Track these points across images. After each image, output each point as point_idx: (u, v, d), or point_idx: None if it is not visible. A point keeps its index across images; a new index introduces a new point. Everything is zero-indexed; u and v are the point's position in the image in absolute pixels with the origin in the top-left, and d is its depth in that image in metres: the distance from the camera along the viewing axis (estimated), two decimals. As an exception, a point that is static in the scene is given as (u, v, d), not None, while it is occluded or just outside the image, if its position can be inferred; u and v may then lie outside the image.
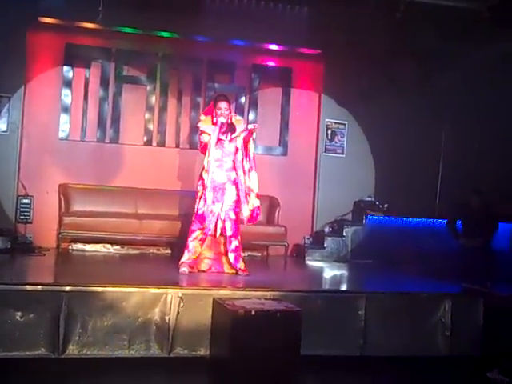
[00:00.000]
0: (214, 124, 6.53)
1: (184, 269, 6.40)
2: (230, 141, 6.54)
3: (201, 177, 6.55)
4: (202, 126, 6.61)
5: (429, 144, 9.08)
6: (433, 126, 9.05)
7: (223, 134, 6.51)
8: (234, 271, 6.53)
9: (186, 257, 6.49)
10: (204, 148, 6.54)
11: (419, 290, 6.25)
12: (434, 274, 6.90)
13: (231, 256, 6.53)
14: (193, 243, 6.49)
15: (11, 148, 8.15)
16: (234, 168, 6.54)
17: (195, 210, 6.53)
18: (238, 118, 6.99)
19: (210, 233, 6.50)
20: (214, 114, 6.55)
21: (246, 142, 6.56)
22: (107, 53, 8.63)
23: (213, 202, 6.44)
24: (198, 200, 6.53)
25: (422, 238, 8.15)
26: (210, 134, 6.48)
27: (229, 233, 6.50)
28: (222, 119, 6.49)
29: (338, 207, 9.01)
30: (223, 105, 6.54)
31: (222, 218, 6.47)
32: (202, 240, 6.51)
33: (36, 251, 7.48)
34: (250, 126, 6.64)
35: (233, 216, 6.51)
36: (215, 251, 6.62)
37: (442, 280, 6.72)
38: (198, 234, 6.49)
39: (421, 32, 7.87)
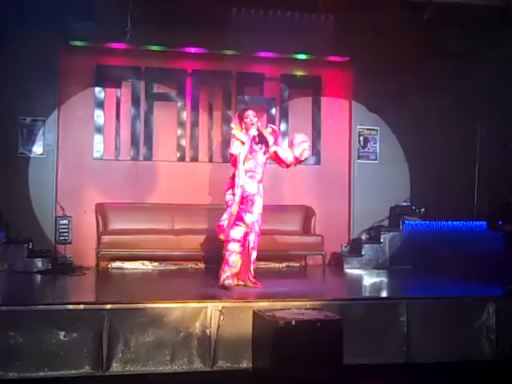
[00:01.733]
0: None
1: (230, 281, 6.28)
2: (264, 152, 6.50)
3: (232, 190, 6.41)
4: (237, 133, 6.44)
5: (463, 145, 8.97)
6: (466, 126, 8.95)
7: (257, 144, 6.44)
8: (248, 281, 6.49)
9: (227, 273, 6.34)
10: (235, 161, 6.42)
11: (461, 294, 6.15)
12: (475, 277, 6.79)
13: (251, 267, 6.48)
14: (232, 257, 6.34)
15: (48, 170, 8.30)
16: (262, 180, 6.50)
17: (226, 222, 6.39)
18: (267, 130, 6.70)
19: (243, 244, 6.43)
20: (244, 126, 6.47)
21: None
22: (137, 72, 8.75)
23: (245, 213, 6.36)
24: (229, 210, 6.40)
25: (462, 241, 8.02)
26: (244, 143, 6.36)
27: (252, 244, 6.44)
28: (253, 132, 6.40)
29: (374, 213, 8.95)
30: (250, 112, 6.47)
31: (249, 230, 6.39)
32: (241, 253, 6.41)
33: (76, 271, 7.56)
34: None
35: (257, 229, 6.45)
36: None
37: (484, 282, 6.61)
38: (236, 247, 6.36)
39: (448, 32, 7.81)
